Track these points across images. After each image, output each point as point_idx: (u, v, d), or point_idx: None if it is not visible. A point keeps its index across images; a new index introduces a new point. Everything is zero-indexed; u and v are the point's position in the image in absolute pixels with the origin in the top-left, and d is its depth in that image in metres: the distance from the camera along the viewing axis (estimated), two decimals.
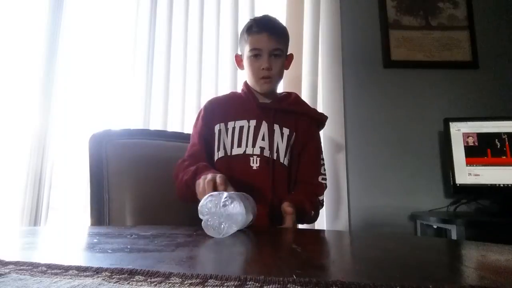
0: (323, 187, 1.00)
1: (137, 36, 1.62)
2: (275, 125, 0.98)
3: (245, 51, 0.98)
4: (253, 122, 0.97)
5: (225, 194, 0.57)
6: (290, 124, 0.99)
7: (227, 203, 0.55)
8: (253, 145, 0.95)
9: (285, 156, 0.97)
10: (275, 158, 0.95)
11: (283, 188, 0.96)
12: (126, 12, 1.66)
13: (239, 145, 0.96)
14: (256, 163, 0.94)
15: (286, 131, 0.98)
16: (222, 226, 0.54)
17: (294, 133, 0.99)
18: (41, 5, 1.61)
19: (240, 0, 1.63)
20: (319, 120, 1.07)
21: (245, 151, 0.95)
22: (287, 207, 0.84)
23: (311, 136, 1.03)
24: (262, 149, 0.95)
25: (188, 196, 0.83)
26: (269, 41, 0.95)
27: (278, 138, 0.97)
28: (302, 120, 1.02)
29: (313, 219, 0.99)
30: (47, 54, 1.57)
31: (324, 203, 1.51)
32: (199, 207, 0.57)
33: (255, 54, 0.96)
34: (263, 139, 0.95)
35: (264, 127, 0.97)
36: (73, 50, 1.65)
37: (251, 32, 0.97)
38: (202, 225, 0.56)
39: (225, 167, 0.93)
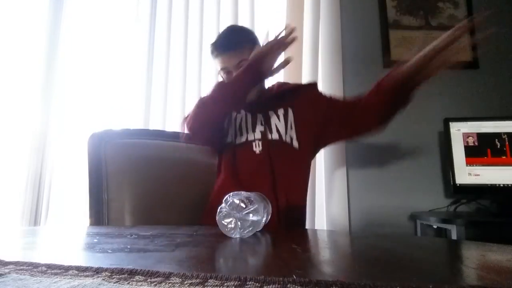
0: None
1: (137, 36, 1.62)
2: (269, 111, 1.02)
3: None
4: (249, 115, 1.02)
5: (252, 198, 0.57)
6: (281, 104, 1.03)
7: (250, 209, 0.55)
8: (253, 130, 0.99)
9: (286, 133, 0.99)
10: (277, 138, 0.98)
11: (289, 166, 0.96)
12: (126, 12, 1.66)
13: (241, 134, 1.00)
14: (259, 147, 0.97)
15: (280, 111, 1.01)
16: (233, 226, 0.55)
17: (290, 109, 1.01)
18: (41, 5, 1.61)
19: (240, 0, 1.63)
20: (310, 86, 1.10)
21: (247, 137, 0.99)
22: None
23: (315, 100, 1.04)
24: (262, 133, 0.99)
25: (219, 104, 0.90)
26: (228, 60, 0.97)
27: (274, 120, 1.00)
28: (295, 95, 1.05)
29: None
30: (47, 54, 1.57)
31: (325, 203, 1.52)
32: (226, 196, 0.57)
33: (225, 72, 0.99)
34: (261, 123, 1.00)
35: (260, 115, 1.01)
36: (73, 50, 1.66)
37: (213, 56, 1.01)
38: (218, 212, 0.56)
39: (231, 155, 0.99)
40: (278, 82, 1.12)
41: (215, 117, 0.93)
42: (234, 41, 0.99)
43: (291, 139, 0.98)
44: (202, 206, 1.01)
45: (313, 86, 1.10)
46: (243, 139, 0.99)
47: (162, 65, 1.59)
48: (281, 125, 0.99)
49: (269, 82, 1.12)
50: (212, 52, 1.01)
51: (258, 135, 0.98)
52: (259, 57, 0.84)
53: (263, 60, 0.84)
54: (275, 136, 0.98)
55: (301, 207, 1.00)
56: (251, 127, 1.00)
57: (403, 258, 0.45)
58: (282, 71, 1.56)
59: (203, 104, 0.92)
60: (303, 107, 1.02)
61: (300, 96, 1.04)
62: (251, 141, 0.98)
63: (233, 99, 0.90)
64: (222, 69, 0.99)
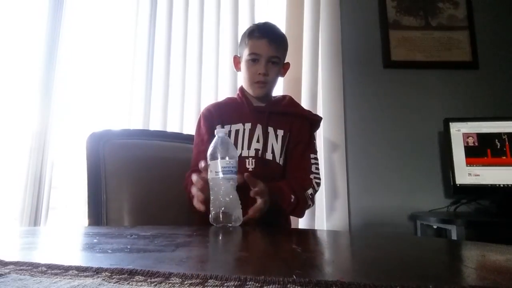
0: (311, 183, 0.98)
1: (137, 36, 1.62)
2: (269, 127, 1.00)
3: (244, 54, 1.00)
4: (248, 125, 0.99)
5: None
6: (284, 125, 1.01)
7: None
8: (248, 147, 0.97)
9: (280, 156, 0.99)
10: (270, 158, 0.97)
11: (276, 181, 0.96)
12: (126, 12, 1.66)
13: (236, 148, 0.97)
14: (252, 164, 0.96)
15: (280, 132, 1.00)
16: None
17: (289, 133, 1.01)
18: (41, 5, 1.61)
19: (240, 0, 1.63)
20: (313, 120, 1.08)
21: (241, 153, 0.96)
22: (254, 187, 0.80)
23: (303, 135, 1.04)
24: (257, 151, 0.97)
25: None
26: (268, 47, 0.97)
27: (272, 139, 0.99)
28: (296, 121, 1.04)
29: (295, 210, 0.95)
30: (47, 54, 1.57)
31: (325, 203, 1.52)
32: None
33: (253, 59, 0.98)
34: (258, 141, 0.98)
35: (258, 129, 0.99)
36: (73, 50, 1.66)
37: (252, 36, 0.99)
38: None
39: None
40: (290, 98, 1.09)
41: None
42: (282, 36, 1.03)
43: (284, 162, 1.00)
44: None
45: (315, 124, 1.08)
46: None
47: (162, 65, 1.59)
48: (277, 147, 0.99)
49: (278, 92, 1.10)
50: (254, 33, 0.98)
51: (252, 152, 0.96)
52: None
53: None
54: (269, 156, 0.97)
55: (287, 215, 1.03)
56: (247, 142, 0.97)
57: (403, 258, 0.45)
58: None
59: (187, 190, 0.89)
60: (295, 137, 1.02)
61: (299, 125, 1.03)
62: (245, 157, 0.96)
63: None
64: (253, 53, 0.97)
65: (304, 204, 0.95)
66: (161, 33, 1.62)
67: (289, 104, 1.07)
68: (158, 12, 1.64)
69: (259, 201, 0.81)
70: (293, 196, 0.91)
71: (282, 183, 0.93)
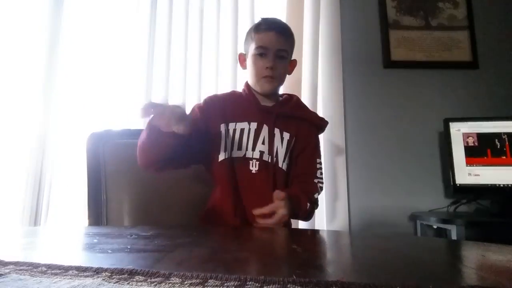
0: (317, 188, 0.98)
1: (137, 36, 1.62)
2: (275, 129, 0.97)
3: (251, 49, 0.97)
4: (253, 125, 0.96)
5: None
6: (291, 128, 0.98)
7: None
8: (253, 149, 0.94)
9: (284, 160, 0.96)
10: (274, 162, 0.95)
11: (280, 186, 0.95)
12: (126, 12, 1.66)
13: (239, 148, 0.94)
14: (255, 167, 0.93)
15: (286, 135, 0.97)
16: None
17: (295, 138, 0.98)
18: (41, 5, 1.61)
19: (240, 0, 1.63)
20: (319, 125, 1.06)
21: (245, 154, 0.94)
22: (278, 193, 0.81)
23: (309, 140, 1.02)
24: (261, 153, 0.94)
25: (151, 146, 0.82)
26: (276, 40, 0.94)
27: (278, 142, 0.96)
28: (303, 125, 1.01)
29: (308, 215, 0.97)
30: (48, 54, 1.57)
31: (325, 203, 1.52)
32: None
33: (260, 53, 0.95)
34: (263, 143, 0.95)
35: (264, 130, 0.96)
36: (73, 50, 1.65)
37: (259, 30, 0.96)
38: None
39: (227, 169, 0.93)
40: (297, 99, 1.06)
41: (159, 156, 0.84)
42: (289, 31, 1.00)
43: (287, 166, 0.97)
44: (201, 206, 1.01)
45: (321, 129, 1.07)
46: (241, 154, 0.94)
47: (162, 65, 1.59)
48: (281, 151, 0.96)
49: (284, 90, 1.08)
50: (261, 26, 0.96)
51: (257, 154, 0.93)
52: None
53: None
54: (273, 160, 0.95)
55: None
56: (252, 143, 0.94)
57: (403, 258, 0.45)
58: None
59: (141, 149, 0.86)
60: (302, 142, 1.00)
61: (306, 130, 1.01)
62: (249, 159, 0.93)
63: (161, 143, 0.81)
64: (260, 46, 0.94)
65: (313, 210, 0.97)
66: (161, 33, 1.62)
67: (296, 107, 1.04)
68: (158, 12, 1.64)
69: (279, 213, 0.81)
70: (308, 204, 0.91)
71: (298, 190, 0.92)
